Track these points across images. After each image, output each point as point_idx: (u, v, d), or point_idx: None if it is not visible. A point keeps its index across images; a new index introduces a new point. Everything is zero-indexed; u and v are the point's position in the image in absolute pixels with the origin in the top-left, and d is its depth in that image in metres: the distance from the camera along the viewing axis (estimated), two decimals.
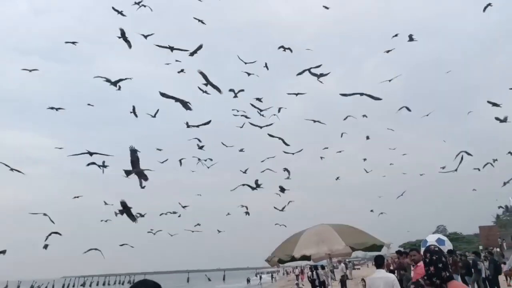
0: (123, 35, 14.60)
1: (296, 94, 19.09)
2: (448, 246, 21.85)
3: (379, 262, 6.47)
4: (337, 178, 27.87)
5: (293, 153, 20.79)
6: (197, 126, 16.10)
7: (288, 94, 20.17)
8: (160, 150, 21.15)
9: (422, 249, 23.26)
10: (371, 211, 26.50)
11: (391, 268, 15.61)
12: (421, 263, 6.85)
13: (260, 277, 63.40)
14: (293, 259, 7.15)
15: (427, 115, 21.89)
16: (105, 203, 21.74)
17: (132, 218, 10.82)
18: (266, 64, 19.21)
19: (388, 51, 18.99)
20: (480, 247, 33.52)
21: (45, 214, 17.37)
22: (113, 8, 16.01)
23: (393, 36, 18.97)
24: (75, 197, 21.21)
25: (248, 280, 62.61)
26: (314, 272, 22.70)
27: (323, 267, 23.38)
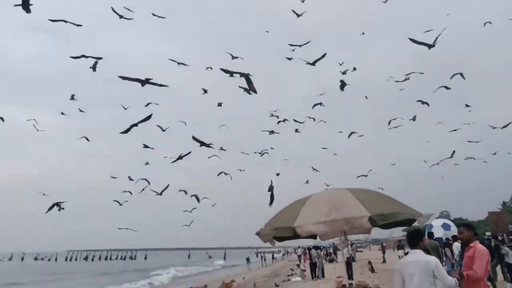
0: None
1: None
2: (454, 231, 20.58)
3: (415, 240, 4.61)
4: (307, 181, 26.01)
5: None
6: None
7: None
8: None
9: (428, 233, 21.45)
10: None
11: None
12: (476, 244, 5.00)
13: (263, 257, 62.35)
14: (294, 235, 5.25)
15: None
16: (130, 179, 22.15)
17: None
18: None
19: None
20: (487, 233, 31.72)
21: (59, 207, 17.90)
22: None
23: None
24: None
25: (248, 259, 61.47)
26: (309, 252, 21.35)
27: (317, 248, 21.88)
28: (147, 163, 23.22)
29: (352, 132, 22.25)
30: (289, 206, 5.43)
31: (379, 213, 4.52)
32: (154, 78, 13.63)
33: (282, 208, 5.50)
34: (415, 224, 5.55)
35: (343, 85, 17.57)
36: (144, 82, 13.74)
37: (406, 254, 7.97)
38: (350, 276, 18.98)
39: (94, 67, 14.86)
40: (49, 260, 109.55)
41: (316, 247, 21.78)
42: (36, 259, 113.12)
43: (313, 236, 6.40)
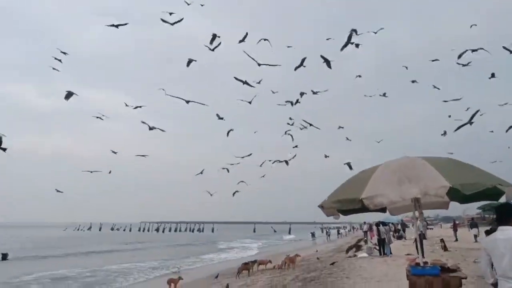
0: None
1: None
2: None
3: (506, 215, 3.97)
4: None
5: None
6: None
7: None
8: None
9: None
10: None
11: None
12: None
13: (328, 233, 62.00)
14: (361, 208, 4.80)
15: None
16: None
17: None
18: None
19: None
20: None
21: None
22: None
23: None
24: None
25: (313, 234, 61.40)
26: (377, 228, 20.61)
27: (385, 224, 21.05)
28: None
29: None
30: (355, 176, 4.97)
31: (462, 183, 3.94)
32: (195, 99, 17.31)
33: (348, 178, 5.05)
34: (503, 198, 4.88)
35: (327, 62, 16.65)
36: (188, 101, 17.42)
37: (489, 231, 7.20)
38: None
39: (212, 40, 16.36)
40: (124, 230, 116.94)
41: (384, 223, 21.00)
42: (112, 229, 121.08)
43: (383, 210, 5.91)
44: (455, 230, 31.53)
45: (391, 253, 19.73)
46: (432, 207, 5.84)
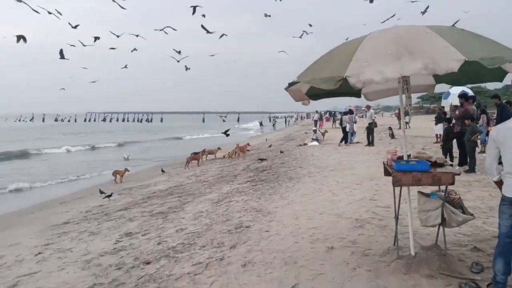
0: None
1: None
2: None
3: None
4: None
5: None
6: None
7: None
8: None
9: (444, 101, 20.13)
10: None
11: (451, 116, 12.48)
12: None
13: (274, 121, 62.56)
14: (341, 90, 3.83)
15: None
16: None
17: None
18: None
19: None
20: None
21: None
22: None
23: None
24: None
25: (261, 123, 61.97)
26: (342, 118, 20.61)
27: (351, 112, 20.95)
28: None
29: None
30: (336, 49, 3.85)
31: (480, 55, 2.97)
32: None
33: (327, 52, 3.93)
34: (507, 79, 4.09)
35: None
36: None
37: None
38: (371, 143, 18.27)
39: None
40: (68, 121, 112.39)
41: (350, 111, 21.17)
42: (56, 120, 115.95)
43: (357, 94, 5.01)
44: (399, 119, 32.48)
45: (352, 141, 19.92)
46: (416, 90, 5.00)
